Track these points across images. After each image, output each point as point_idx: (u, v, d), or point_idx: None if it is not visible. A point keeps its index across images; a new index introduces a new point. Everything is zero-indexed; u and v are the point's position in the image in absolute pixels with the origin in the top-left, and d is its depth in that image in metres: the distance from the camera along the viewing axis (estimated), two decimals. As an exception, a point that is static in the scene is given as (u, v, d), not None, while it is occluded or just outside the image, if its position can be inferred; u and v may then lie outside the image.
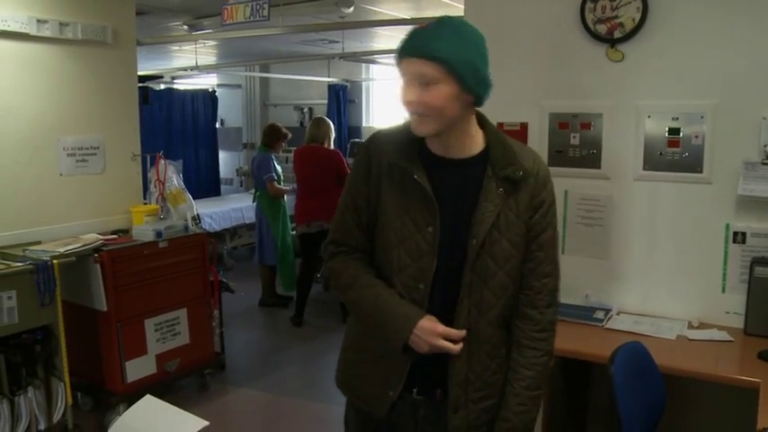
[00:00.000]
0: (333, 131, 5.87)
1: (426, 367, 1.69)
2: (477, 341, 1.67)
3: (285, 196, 6.23)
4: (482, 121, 1.70)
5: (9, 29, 3.51)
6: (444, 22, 1.57)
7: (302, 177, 5.75)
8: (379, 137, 1.76)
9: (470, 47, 1.56)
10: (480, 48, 1.58)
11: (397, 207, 1.67)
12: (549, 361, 1.73)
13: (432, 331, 1.61)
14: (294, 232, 6.06)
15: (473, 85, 1.56)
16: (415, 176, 1.62)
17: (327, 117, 9.00)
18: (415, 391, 1.72)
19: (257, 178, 6.16)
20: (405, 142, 1.67)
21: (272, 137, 6.19)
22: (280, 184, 6.13)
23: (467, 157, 1.67)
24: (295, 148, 6.15)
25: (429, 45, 1.51)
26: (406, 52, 1.55)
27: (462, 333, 1.64)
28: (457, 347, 1.63)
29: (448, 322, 1.64)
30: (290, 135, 6.36)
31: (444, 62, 1.50)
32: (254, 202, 6.54)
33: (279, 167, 6.23)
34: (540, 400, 1.74)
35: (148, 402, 1.57)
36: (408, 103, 1.56)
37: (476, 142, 1.67)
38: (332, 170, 5.64)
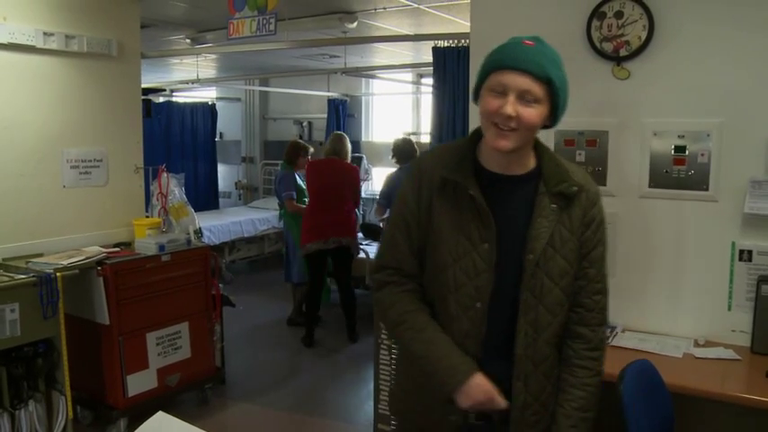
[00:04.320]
0: None
1: None
2: (534, 362, 1.65)
3: None
4: (535, 141, 1.70)
5: (16, 41, 3.52)
6: (544, 43, 1.59)
7: (316, 190, 5.48)
8: (429, 154, 1.77)
9: (564, 73, 1.60)
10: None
11: (451, 224, 1.64)
12: (600, 383, 1.71)
13: (483, 389, 1.60)
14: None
15: (562, 110, 1.60)
16: (471, 192, 1.61)
17: (327, 131, 9.09)
18: (473, 415, 1.69)
19: (279, 195, 6.08)
20: (458, 159, 1.67)
21: (293, 153, 6.08)
22: (302, 201, 6.00)
23: (521, 174, 1.66)
24: (309, 160, 6.00)
25: (541, 64, 1.53)
26: (514, 65, 1.53)
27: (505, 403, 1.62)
28: (504, 403, 1.62)
29: (506, 342, 1.64)
30: (311, 150, 6.26)
31: (552, 85, 1.54)
32: (279, 220, 6.47)
33: (303, 184, 6.12)
34: (591, 423, 1.70)
35: (161, 419, 1.55)
36: (507, 117, 1.53)
37: (529, 160, 1.68)
38: (350, 184, 5.47)
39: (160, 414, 1.57)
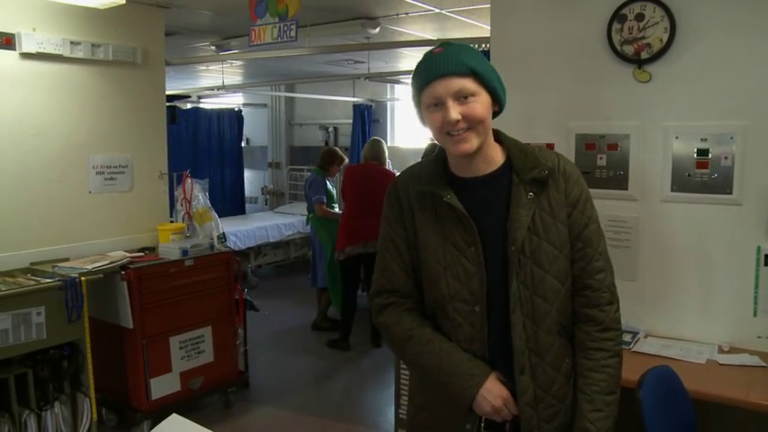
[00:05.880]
0: None
1: None
2: (538, 353, 1.63)
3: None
4: (498, 135, 1.71)
5: (45, 51, 3.60)
6: (453, 44, 1.62)
7: (356, 195, 5.49)
8: (403, 174, 1.80)
9: (484, 58, 1.63)
10: None
11: (436, 235, 1.66)
12: (620, 364, 1.68)
13: (498, 395, 1.60)
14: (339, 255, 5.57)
15: (501, 94, 1.62)
16: (446, 198, 1.62)
17: (352, 137, 9.12)
18: (484, 424, 1.68)
19: (309, 199, 6.12)
20: (429, 171, 1.71)
21: (328, 160, 6.15)
22: (330, 206, 6.05)
23: (491, 172, 1.67)
24: (346, 165, 6.06)
25: (457, 60, 1.55)
26: (436, 74, 1.56)
27: (515, 412, 1.62)
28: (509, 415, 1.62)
29: (508, 340, 1.63)
30: (346, 160, 6.32)
31: (479, 74, 1.56)
32: (307, 224, 6.52)
33: (333, 189, 6.17)
34: (616, 405, 1.65)
35: (174, 421, 1.56)
36: (454, 122, 1.55)
37: (497, 156, 1.68)
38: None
39: (174, 416, 1.59)
